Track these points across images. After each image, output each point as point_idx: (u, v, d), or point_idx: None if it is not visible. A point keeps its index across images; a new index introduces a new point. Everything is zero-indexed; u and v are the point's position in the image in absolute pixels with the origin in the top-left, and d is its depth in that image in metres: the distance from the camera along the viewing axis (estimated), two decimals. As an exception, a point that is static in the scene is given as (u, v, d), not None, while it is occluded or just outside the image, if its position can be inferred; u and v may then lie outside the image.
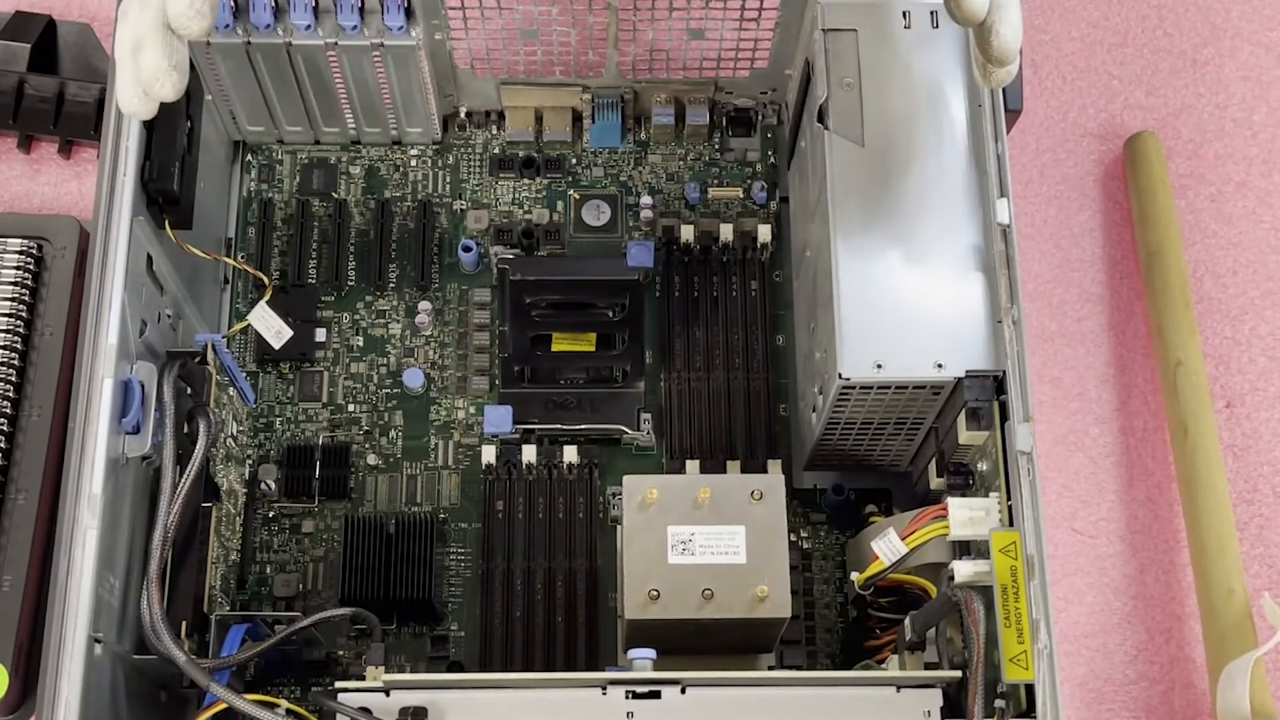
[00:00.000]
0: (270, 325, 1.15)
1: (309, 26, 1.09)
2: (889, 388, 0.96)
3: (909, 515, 0.97)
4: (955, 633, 0.94)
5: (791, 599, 0.95)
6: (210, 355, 1.00)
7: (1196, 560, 1.14)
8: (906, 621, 0.96)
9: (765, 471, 1.10)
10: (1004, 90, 0.96)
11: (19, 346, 1.08)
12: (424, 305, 1.18)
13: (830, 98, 1.01)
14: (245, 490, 1.12)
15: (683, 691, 0.87)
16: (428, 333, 1.18)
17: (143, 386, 0.93)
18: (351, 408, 1.16)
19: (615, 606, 1.07)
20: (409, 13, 1.09)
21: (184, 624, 0.95)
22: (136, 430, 0.93)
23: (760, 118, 1.24)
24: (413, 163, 1.23)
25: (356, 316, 1.19)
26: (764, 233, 1.17)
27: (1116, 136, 1.30)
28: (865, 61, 1.02)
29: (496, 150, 1.24)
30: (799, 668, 1.06)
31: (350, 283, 1.20)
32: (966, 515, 0.93)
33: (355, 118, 1.20)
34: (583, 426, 1.13)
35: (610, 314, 1.15)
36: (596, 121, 1.22)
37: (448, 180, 1.23)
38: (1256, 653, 1.07)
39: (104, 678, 0.89)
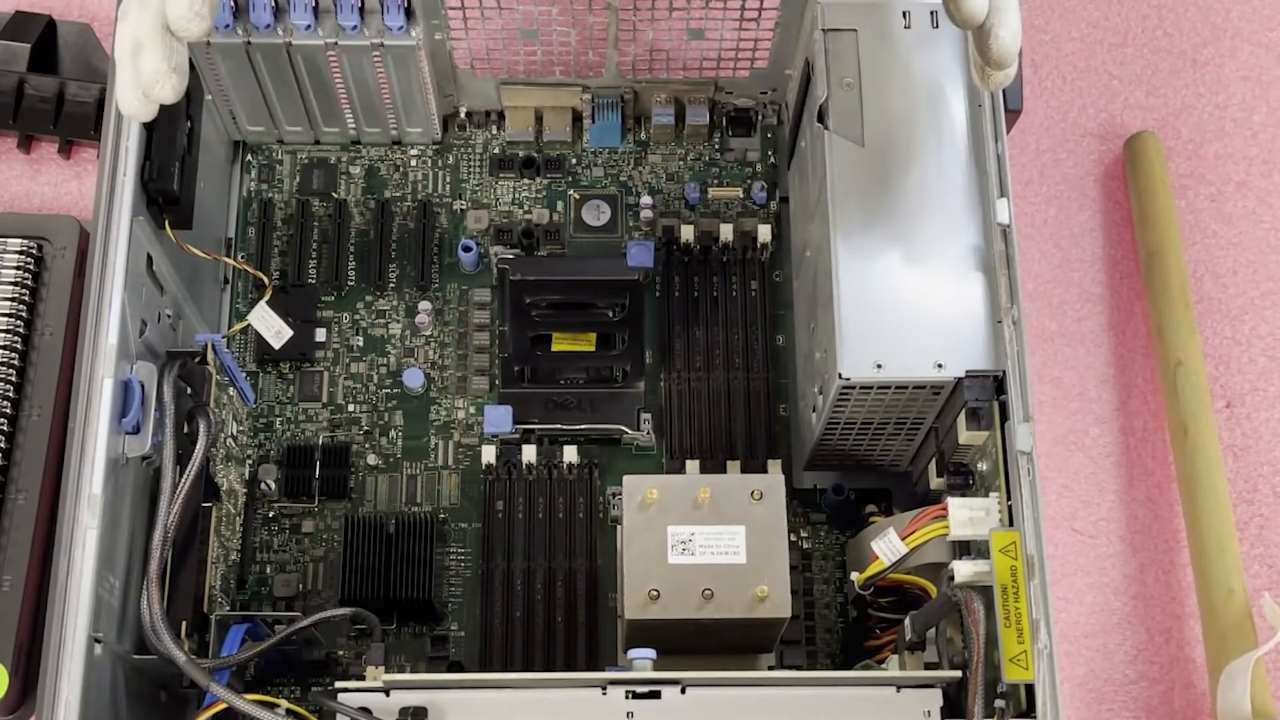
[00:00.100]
0: (270, 325, 1.15)
1: (309, 26, 1.09)
2: (889, 388, 0.96)
3: (909, 515, 0.97)
4: (955, 633, 0.94)
5: (791, 599, 0.95)
6: (210, 355, 1.00)
7: (1196, 560, 1.14)
8: (906, 621, 0.96)
9: (765, 471, 1.10)
10: (1004, 90, 0.96)
11: (19, 346, 1.08)
12: (424, 305, 1.18)
13: (830, 98, 1.01)
14: (245, 490, 1.12)
15: (683, 691, 0.87)
16: (428, 333, 1.18)
17: (143, 386, 0.93)
18: (351, 408, 1.16)
19: (615, 606, 1.07)
20: (409, 13, 1.09)
21: (184, 624, 0.95)
22: (136, 430, 0.93)
23: (760, 118, 1.24)
24: (413, 163, 1.23)
25: (356, 316, 1.19)
26: (764, 233, 1.17)
27: (1116, 136, 1.30)
28: (865, 61, 1.02)
29: (496, 150, 1.24)
30: (799, 668, 1.06)
31: (350, 283, 1.20)
32: (966, 515, 0.93)
33: (355, 118, 1.20)
34: (583, 426, 1.13)
35: (610, 314, 1.15)
36: (596, 121, 1.22)
37: (448, 180, 1.23)
38: (1257, 653, 1.07)
39: (104, 678, 0.89)
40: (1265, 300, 1.25)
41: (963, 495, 0.95)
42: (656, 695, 0.87)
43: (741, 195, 1.22)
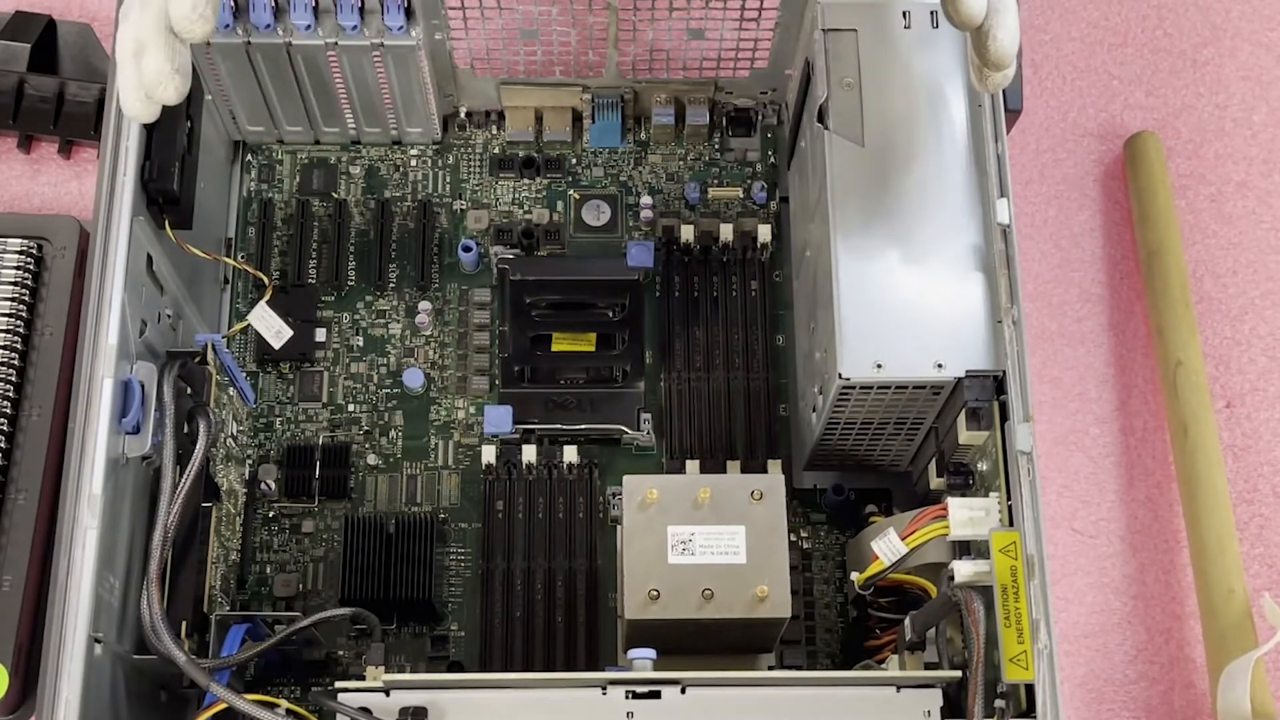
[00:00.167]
0: (270, 325, 1.15)
1: (309, 26, 1.09)
2: (889, 388, 0.96)
3: (909, 515, 0.97)
4: (955, 633, 0.94)
5: (791, 599, 0.95)
6: (210, 355, 1.00)
7: (1196, 560, 1.14)
8: (906, 621, 0.96)
9: (765, 471, 1.10)
10: (1004, 90, 0.96)
11: (19, 346, 1.08)
12: (424, 305, 1.18)
13: (830, 98, 1.01)
14: (245, 490, 1.12)
15: (683, 691, 0.87)
16: (428, 333, 1.18)
17: (143, 386, 0.93)
18: (351, 408, 1.16)
19: (615, 606, 1.07)
20: (409, 13, 1.09)
21: (184, 624, 0.95)
22: (136, 430, 0.93)
23: (760, 118, 1.24)
24: (413, 163, 1.23)
25: (356, 316, 1.19)
26: (764, 233, 1.17)
27: (1116, 136, 1.30)
28: (865, 61, 1.02)
29: (496, 150, 1.24)
30: (799, 668, 1.06)
31: (350, 283, 1.20)
32: (966, 515, 0.93)
33: (355, 118, 1.20)
34: (583, 426, 1.13)
35: (610, 314, 1.15)
36: (596, 121, 1.22)
37: (448, 180, 1.23)
38: (1257, 653, 1.07)
39: (104, 678, 0.89)
40: (1265, 300, 1.25)
41: (963, 495, 0.95)
42: (656, 695, 0.87)
43: (741, 195, 1.22)
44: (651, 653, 0.90)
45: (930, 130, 1.00)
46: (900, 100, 1.01)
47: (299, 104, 1.17)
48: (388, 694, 0.87)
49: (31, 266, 1.10)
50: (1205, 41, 1.33)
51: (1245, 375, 1.23)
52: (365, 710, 0.86)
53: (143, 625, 0.91)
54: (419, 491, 1.14)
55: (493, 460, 1.12)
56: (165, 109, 0.87)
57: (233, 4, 1.08)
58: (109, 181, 0.94)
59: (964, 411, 0.94)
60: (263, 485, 1.12)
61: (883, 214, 0.98)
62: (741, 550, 0.95)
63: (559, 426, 1.13)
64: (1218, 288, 1.25)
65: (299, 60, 1.12)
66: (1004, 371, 0.93)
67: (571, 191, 1.22)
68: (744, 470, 1.12)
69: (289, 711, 0.88)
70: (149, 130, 0.97)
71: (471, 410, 1.16)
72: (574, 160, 1.24)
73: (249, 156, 1.23)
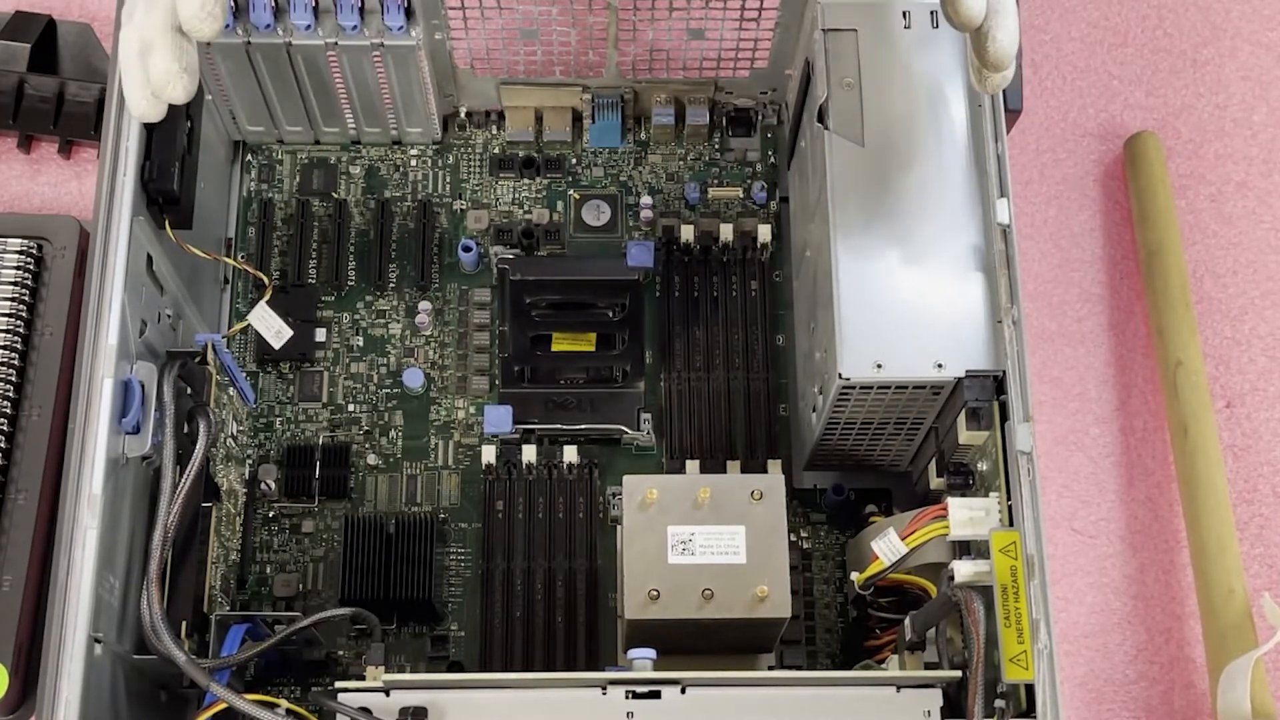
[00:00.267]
0: (270, 325, 1.15)
1: (309, 26, 1.09)
2: (889, 388, 0.96)
3: (909, 515, 0.97)
4: (955, 633, 0.94)
5: (791, 599, 0.95)
6: (210, 355, 1.00)
7: (1196, 560, 1.14)
8: (906, 621, 0.96)
9: (765, 471, 1.10)
10: (1004, 90, 0.96)
11: (19, 346, 1.08)
12: (424, 305, 1.18)
13: (830, 98, 1.01)
14: (245, 490, 1.12)
15: (683, 691, 0.87)
16: (428, 333, 1.18)
17: (143, 386, 0.93)
18: (351, 408, 1.16)
19: (615, 606, 1.07)
20: (409, 13, 1.09)
21: (184, 624, 0.95)
22: (136, 430, 0.93)
23: (760, 118, 1.24)
24: (413, 163, 1.23)
25: (356, 316, 1.19)
26: (764, 233, 1.17)
27: (1116, 136, 1.30)
28: (865, 61, 1.02)
29: (496, 150, 1.24)
30: (799, 668, 1.06)
31: (350, 283, 1.20)
32: (966, 515, 0.93)
33: (355, 118, 1.20)
34: (583, 426, 1.13)
35: (610, 314, 1.15)
36: (596, 121, 1.22)
37: (448, 180, 1.23)
38: (1257, 653, 1.07)
39: (104, 678, 0.89)
40: (1265, 300, 1.25)
41: (963, 495, 0.95)
42: (656, 695, 0.87)
43: (741, 195, 1.22)
44: (651, 653, 0.90)
45: (930, 130, 1.00)
46: (900, 100, 1.01)
47: (299, 104, 1.17)
48: (388, 694, 0.87)
49: (31, 266, 1.10)
50: (1205, 41, 1.33)
51: (1245, 375, 1.23)
52: (365, 710, 0.86)
53: (143, 625, 0.91)
54: (419, 491, 1.14)
55: (493, 460, 1.12)
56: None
57: (233, 4, 1.08)
58: (109, 181, 0.94)
59: (964, 411, 0.94)
60: (263, 485, 1.12)
61: (883, 214, 0.98)
62: (741, 550, 0.95)
63: (559, 426, 1.13)
64: (1218, 288, 1.25)
65: (299, 60, 1.12)
66: (1004, 371, 0.93)
67: (571, 191, 1.22)
68: (744, 470, 1.12)
69: (289, 711, 0.88)
70: (149, 130, 0.97)
71: (471, 410, 1.16)
72: (574, 160, 1.24)
73: (249, 156, 1.23)
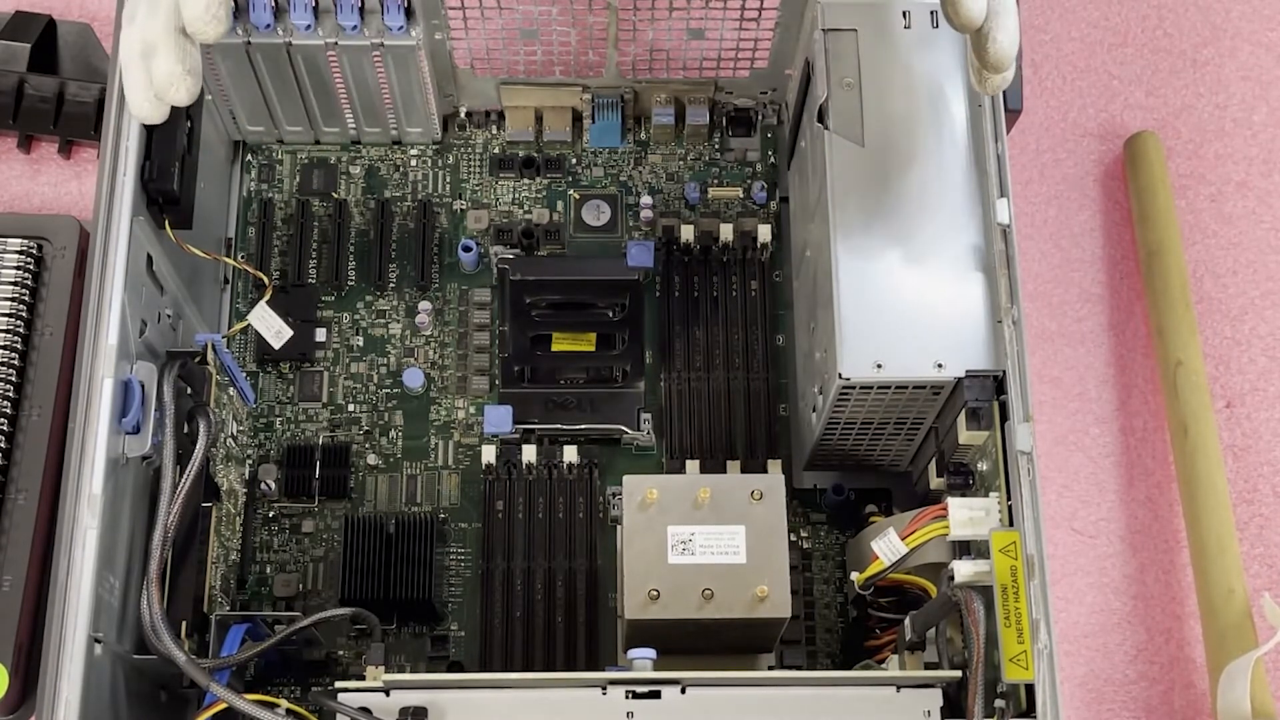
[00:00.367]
0: (270, 325, 1.15)
1: (309, 26, 1.09)
2: (889, 388, 0.96)
3: (909, 515, 0.97)
4: (955, 633, 0.94)
5: (791, 599, 0.95)
6: (210, 355, 1.00)
7: (1196, 560, 1.14)
8: (906, 621, 0.96)
9: (765, 471, 1.10)
10: (1004, 90, 0.96)
11: (19, 346, 1.08)
12: (424, 305, 1.18)
13: (830, 98, 1.01)
14: (245, 490, 1.12)
15: (683, 691, 0.87)
16: (428, 333, 1.18)
17: (143, 386, 0.93)
18: (351, 408, 1.16)
19: (615, 606, 1.07)
20: (409, 13, 1.09)
21: (184, 624, 0.95)
22: (136, 430, 0.93)
23: (760, 118, 1.24)
24: (413, 163, 1.23)
25: (356, 316, 1.19)
26: (764, 233, 1.17)
27: (1116, 136, 1.30)
28: (865, 61, 1.02)
29: (496, 150, 1.24)
30: (799, 668, 1.06)
31: (350, 283, 1.20)
32: (966, 515, 0.93)
33: (355, 118, 1.20)
34: (583, 426, 1.13)
35: (610, 314, 1.15)
36: (596, 121, 1.22)
37: (448, 180, 1.23)
38: (1257, 653, 1.07)
39: (104, 678, 0.89)
40: (1265, 300, 1.25)
41: (963, 495, 0.95)
42: (656, 695, 0.87)
43: (741, 195, 1.22)
44: (651, 653, 0.90)
45: (930, 130, 1.00)
46: (900, 100, 1.01)
47: (299, 104, 1.17)
48: (388, 694, 0.87)
49: (31, 266, 1.10)
50: (1205, 41, 1.33)
51: (1245, 375, 1.23)
52: (365, 710, 0.86)
53: (143, 625, 0.91)
54: (419, 491, 1.14)
55: (493, 460, 1.12)
56: (165, 109, 0.87)
57: (233, 4, 1.07)
58: (109, 181, 0.94)
59: (964, 411, 0.94)
60: (263, 485, 1.12)
61: (883, 214, 0.98)
62: (741, 550, 0.95)
63: (559, 426, 1.13)
64: (1218, 288, 1.25)
65: (299, 60, 1.12)
66: (1004, 371, 0.93)
67: (571, 191, 1.22)
68: (744, 470, 1.12)
69: (289, 711, 0.88)
70: (149, 130, 0.97)
71: (471, 410, 1.16)
72: (574, 160, 1.24)
73: (249, 156, 1.23)
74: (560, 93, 1.21)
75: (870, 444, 1.05)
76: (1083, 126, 1.30)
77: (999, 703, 0.87)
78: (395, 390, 1.16)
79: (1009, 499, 0.90)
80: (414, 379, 1.15)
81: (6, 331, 1.07)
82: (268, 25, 1.09)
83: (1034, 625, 0.86)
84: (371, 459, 1.14)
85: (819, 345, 1.03)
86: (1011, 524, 0.90)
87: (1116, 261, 1.26)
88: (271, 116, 1.19)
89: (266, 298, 1.16)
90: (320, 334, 1.17)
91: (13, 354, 1.07)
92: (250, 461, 1.13)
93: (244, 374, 1.12)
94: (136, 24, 0.84)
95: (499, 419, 1.12)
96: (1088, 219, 1.27)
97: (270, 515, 1.13)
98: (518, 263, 1.16)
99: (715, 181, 1.23)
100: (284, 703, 0.88)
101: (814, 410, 1.05)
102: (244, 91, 1.16)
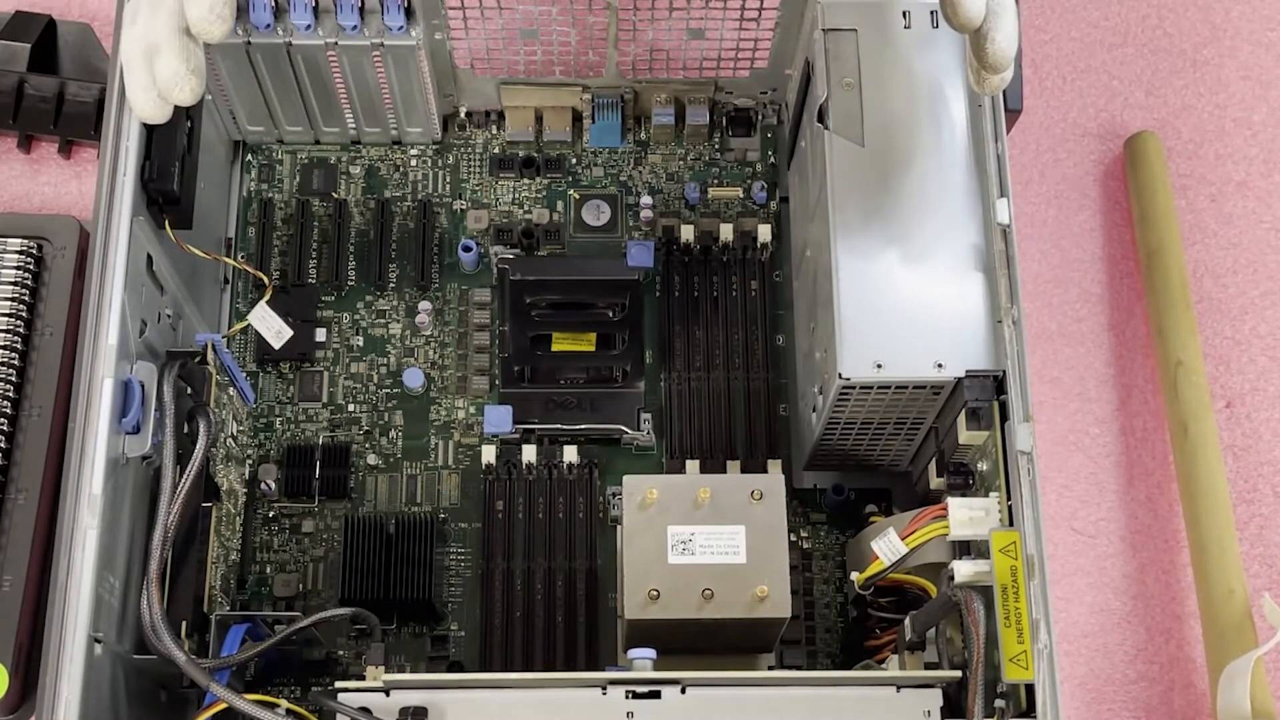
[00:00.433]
0: (270, 325, 1.15)
1: (309, 26, 1.09)
2: (889, 388, 0.96)
3: (909, 515, 0.97)
4: (955, 633, 0.94)
5: (791, 599, 0.95)
6: (210, 355, 1.00)
7: (1196, 560, 1.14)
8: (906, 621, 0.96)
9: (765, 471, 1.10)
10: (1004, 90, 0.96)
11: (19, 346, 1.08)
12: (424, 305, 1.18)
13: (830, 98, 1.01)
14: (245, 490, 1.12)
15: (683, 691, 0.87)
16: (428, 333, 1.18)
17: (143, 386, 0.93)
18: (351, 408, 1.16)
19: (615, 606, 1.07)
20: (409, 13, 1.09)
21: (184, 624, 0.95)
22: (136, 430, 0.93)
23: (760, 118, 1.24)
24: (413, 163, 1.23)
25: (356, 316, 1.19)
26: (764, 233, 1.17)
27: (1116, 136, 1.30)
28: (865, 61, 1.02)
29: (496, 150, 1.24)
30: (799, 668, 1.06)
31: (350, 283, 1.20)
32: (966, 515, 0.92)
33: (355, 118, 1.20)
34: (583, 426, 1.13)
35: (610, 314, 1.15)
36: (596, 121, 1.22)
37: (448, 180, 1.23)
38: (1257, 653, 1.07)
39: (104, 678, 0.89)
40: (1265, 300, 1.25)
41: (963, 495, 0.95)
42: (656, 695, 0.87)
43: (741, 195, 1.22)
44: (651, 653, 0.90)
45: (930, 130, 1.00)
46: (900, 100, 1.01)
47: (299, 104, 1.17)
48: (388, 694, 0.87)
49: (31, 266, 1.10)
50: (1205, 41, 1.33)
51: (1245, 375, 1.23)
52: (365, 710, 0.86)
53: (143, 625, 0.91)
54: (419, 491, 1.14)
55: (493, 460, 1.12)
56: (165, 109, 0.87)
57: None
58: (109, 181, 0.94)
59: (964, 411, 0.94)
60: (263, 485, 1.12)
61: (883, 214, 0.98)
62: (741, 550, 0.95)
63: (559, 426, 1.13)
64: (1218, 288, 1.25)
65: (299, 60, 1.12)
66: (1004, 371, 0.93)
67: (571, 191, 1.22)
68: (744, 470, 1.12)
69: (289, 711, 0.88)
70: (149, 130, 0.97)
71: (471, 410, 1.16)
72: (574, 160, 1.24)
73: (249, 156, 1.23)
74: (560, 93, 1.21)
75: (870, 444, 1.05)
76: (1083, 126, 1.30)
77: (999, 703, 0.87)
78: (395, 390, 1.16)
79: (1009, 499, 0.90)
80: (414, 379, 1.15)
81: (6, 331, 1.07)
82: (268, 25, 1.09)
83: (1034, 625, 0.86)
84: (371, 459, 1.14)
85: (819, 345, 1.03)
86: (1011, 524, 0.90)
87: (1116, 261, 1.26)
88: (271, 116, 1.19)
89: (266, 298, 1.16)
90: (320, 334, 1.17)
91: (13, 354, 1.07)
92: (250, 461, 1.13)
93: (244, 374, 1.12)
94: (139, 24, 0.84)
95: (499, 419, 1.12)
96: (1088, 219, 1.27)
97: (270, 515, 1.13)
98: (518, 263, 1.16)
99: (715, 181, 1.23)
100: (284, 703, 0.88)
101: (814, 410, 1.05)
102: (244, 91, 1.16)
